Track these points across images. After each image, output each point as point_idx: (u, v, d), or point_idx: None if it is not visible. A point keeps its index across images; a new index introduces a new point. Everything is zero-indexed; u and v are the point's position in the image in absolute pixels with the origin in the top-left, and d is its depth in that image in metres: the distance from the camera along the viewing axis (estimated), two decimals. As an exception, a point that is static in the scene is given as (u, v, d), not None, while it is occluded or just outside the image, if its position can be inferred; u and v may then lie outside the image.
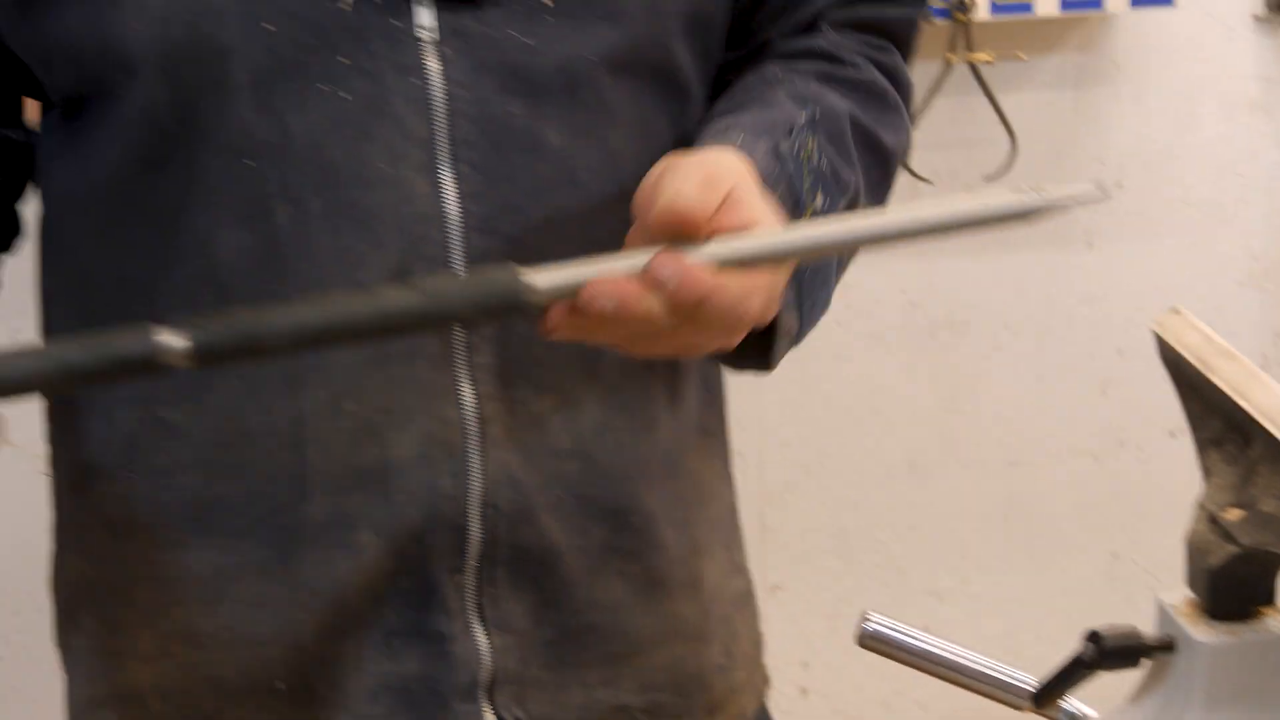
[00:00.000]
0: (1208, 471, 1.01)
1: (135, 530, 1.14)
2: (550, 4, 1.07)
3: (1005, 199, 0.94)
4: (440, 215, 1.05)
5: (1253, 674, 0.94)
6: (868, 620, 1.16)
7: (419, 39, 1.05)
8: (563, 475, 1.13)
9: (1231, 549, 0.95)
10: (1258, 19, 2.34)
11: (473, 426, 1.08)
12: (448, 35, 1.05)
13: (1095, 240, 2.45)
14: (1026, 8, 2.17)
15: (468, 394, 1.08)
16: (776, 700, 2.26)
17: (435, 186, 1.05)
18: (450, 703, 1.12)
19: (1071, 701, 1.09)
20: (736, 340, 1.00)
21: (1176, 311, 1.07)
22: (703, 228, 0.91)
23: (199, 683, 1.14)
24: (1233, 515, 0.96)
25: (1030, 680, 1.10)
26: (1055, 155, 2.41)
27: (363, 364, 1.06)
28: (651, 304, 0.90)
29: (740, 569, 1.31)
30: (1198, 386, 1.03)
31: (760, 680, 1.33)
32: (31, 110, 1.22)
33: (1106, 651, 0.97)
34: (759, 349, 1.09)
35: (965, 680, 1.15)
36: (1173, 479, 2.47)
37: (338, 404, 1.06)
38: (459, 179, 1.05)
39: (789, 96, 1.14)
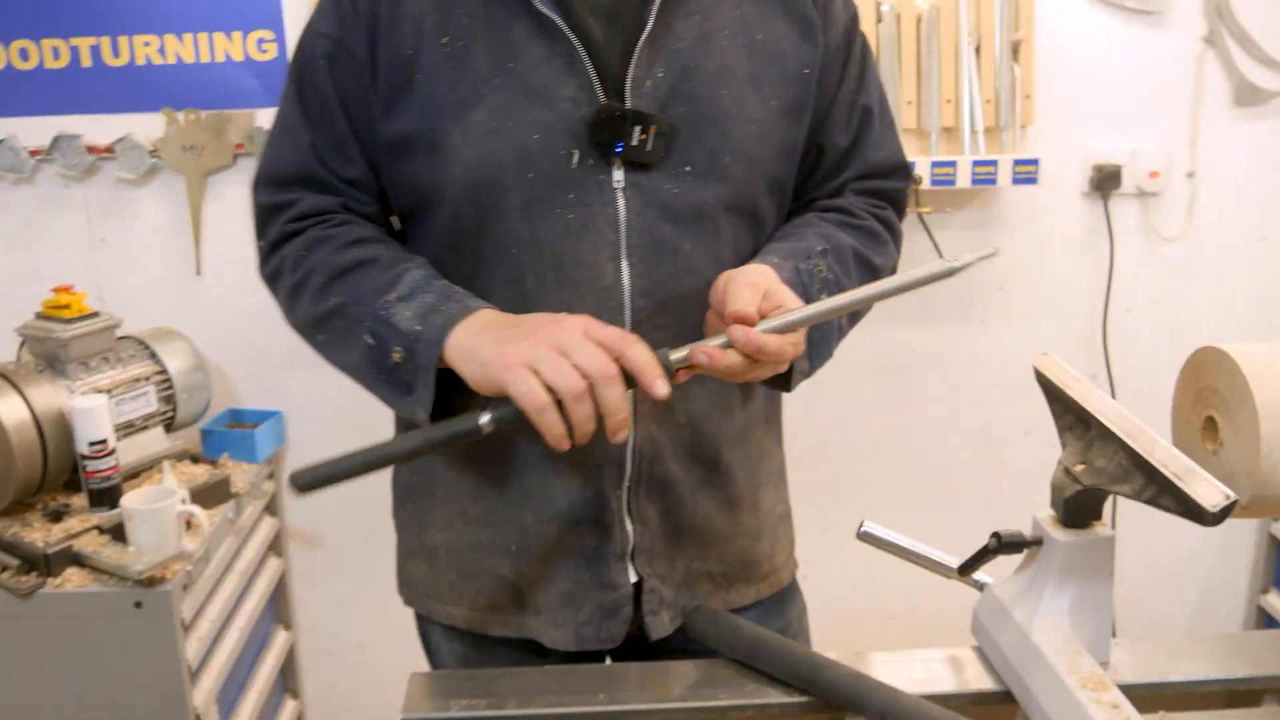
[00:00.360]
0: (1064, 444, 1.08)
1: (437, 455, 1.21)
2: (688, 171, 1.12)
3: (936, 265, 1.01)
4: (619, 286, 1.12)
5: (1086, 559, 1.03)
6: (865, 525, 1.19)
7: (614, 186, 1.10)
8: (680, 437, 1.20)
9: (1077, 487, 1.03)
10: (1084, 194, 2.36)
11: (632, 407, 1.11)
12: (629, 185, 1.10)
13: (986, 319, 2.44)
14: (951, 181, 2.17)
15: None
16: None
17: (618, 270, 1.11)
18: (610, 561, 1.20)
19: (981, 575, 1.15)
20: (781, 371, 1.06)
21: (1046, 355, 1.15)
22: (754, 318, 1.00)
23: (468, 543, 1.24)
24: (1078, 469, 1.04)
25: (956, 561, 1.16)
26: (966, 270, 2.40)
27: None
28: (732, 358, 0.99)
29: (783, 500, 1.37)
30: (1059, 396, 1.10)
31: (792, 564, 1.38)
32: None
33: (1004, 543, 1.06)
34: (786, 378, 1.15)
35: (919, 560, 1.17)
36: (1025, 460, 2.49)
37: None
38: (631, 266, 1.12)
39: (815, 235, 1.18)
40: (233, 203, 2.26)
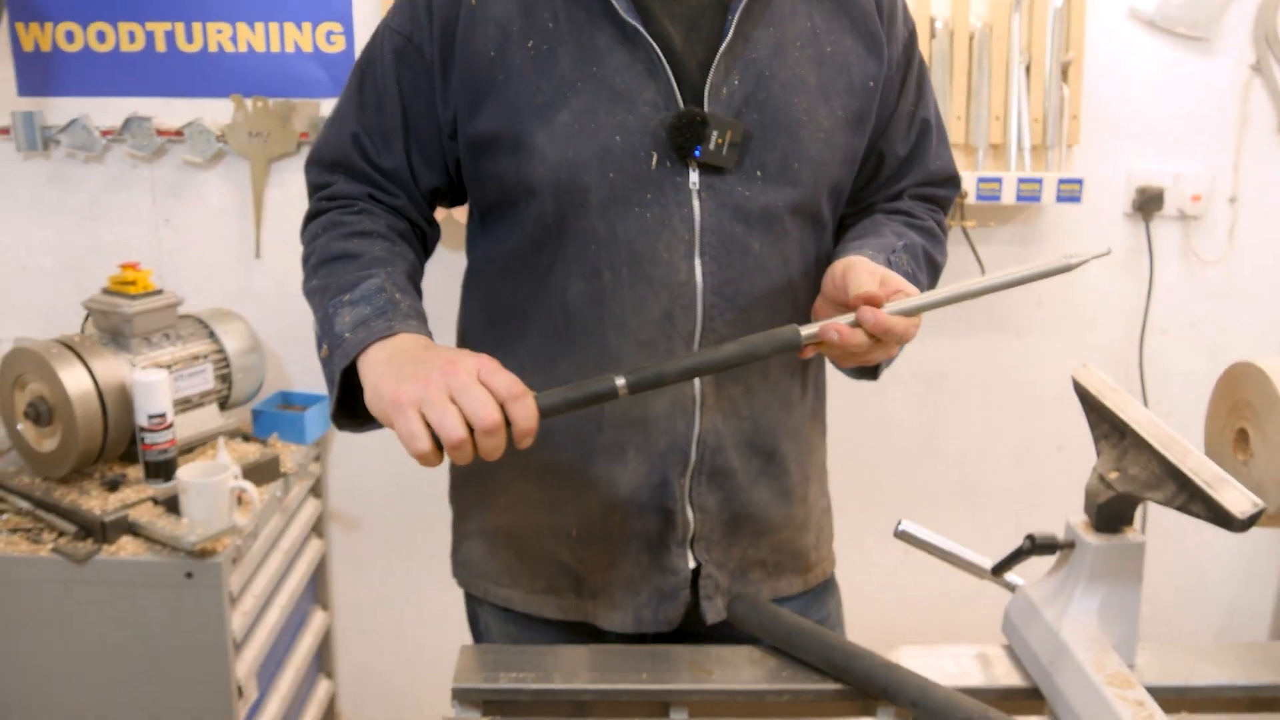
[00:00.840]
0: (1099, 452, 1.10)
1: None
2: (759, 175, 1.16)
3: (1054, 261, 1.05)
4: (693, 282, 1.15)
5: (1116, 563, 1.06)
6: (903, 524, 1.22)
7: (690, 188, 1.14)
8: (741, 429, 1.23)
9: (1110, 493, 1.05)
10: (1126, 215, 2.38)
11: (698, 399, 1.19)
12: (704, 188, 1.14)
13: (1024, 334, 2.46)
14: (996, 197, 2.20)
15: (696, 383, 1.18)
16: None
17: (691, 267, 1.15)
18: (671, 547, 1.24)
19: (1012, 577, 1.17)
20: (895, 354, 1.12)
21: (1085, 365, 1.18)
22: (882, 299, 1.05)
23: (529, 527, 1.27)
24: (1112, 476, 1.06)
25: (989, 562, 1.18)
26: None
27: (642, 360, 1.15)
28: (859, 337, 1.04)
29: (825, 494, 1.41)
30: (1095, 405, 1.12)
31: (832, 558, 1.41)
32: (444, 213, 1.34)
33: (1038, 545, 1.09)
34: (874, 368, 1.22)
35: (954, 560, 1.19)
36: (1057, 475, 2.50)
37: None
38: (704, 263, 1.15)
39: (891, 233, 1.24)
40: (294, 189, 2.31)
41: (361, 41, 2.20)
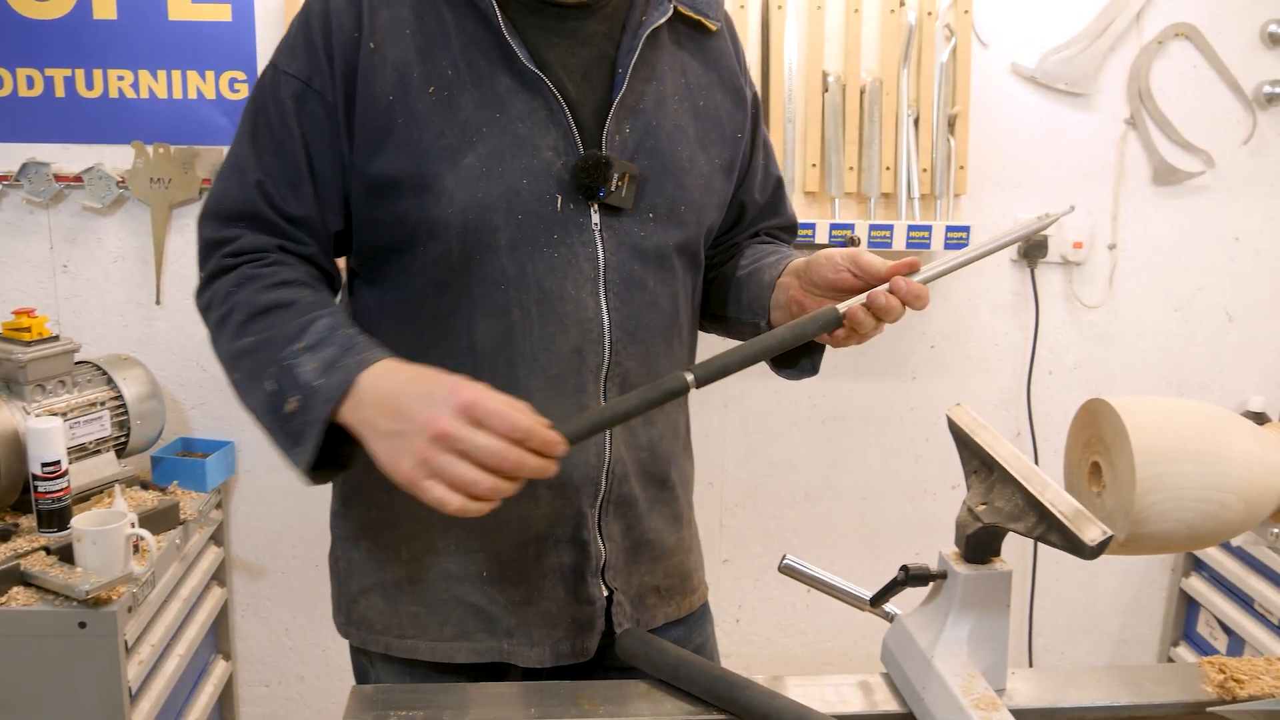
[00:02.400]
0: (969, 486, 1.17)
1: (403, 492, 1.17)
2: (651, 216, 1.20)
3: (1034, 222, 1.18)
4: (599, 318, 1.19)
5: (985, 592, 1.10)
6: (787, 559, 1.25)
7: (593, 228, 1.18)
8: (640, 459, 1.27)
9: (978, 524, 1.10)
10: (1013, 261, 2.48)
11: (606, 432, 1.21)
12: (605, 228, 1.18)
13: (918, 375, 2.53)
14: (888, 244, 2.26)
15: None
16: (721, 624, 2.42)
17: (597, 304, 1.19)
18: (586, 577, 1.25)
19: (891, 605, 1.21)
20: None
21: (959, 405, 1.23)
22: (917, 267, 1.13)
23: (434, 575, 1.25)
24: (980, 508, 1.12)
25: (868, 594, 1.22)
26: (897, 328, 2.53)
27: (551, 396, 1.17)
28: (896, 303, 1.11)
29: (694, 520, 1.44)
30: (966, 442, 1.18)
31: (706, 585, 1.44)
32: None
33: (912, 576, 1.14)
34: (817, 362, 1.28)
35: (834, 592, 1.23)
36: (953, 512, 2.66)
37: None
38: (608, 299, 1.19)
39: (788, 252, 1.32)
40: (195, 235, 2.30)
41: (265, 89, 2.21)
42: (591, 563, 1.25)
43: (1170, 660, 2.70)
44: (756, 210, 1.40)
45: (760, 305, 1.28)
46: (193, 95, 2.24)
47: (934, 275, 1.14)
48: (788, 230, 1.45)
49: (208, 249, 1.20)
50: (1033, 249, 2.44)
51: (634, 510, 1.28)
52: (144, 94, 2.23)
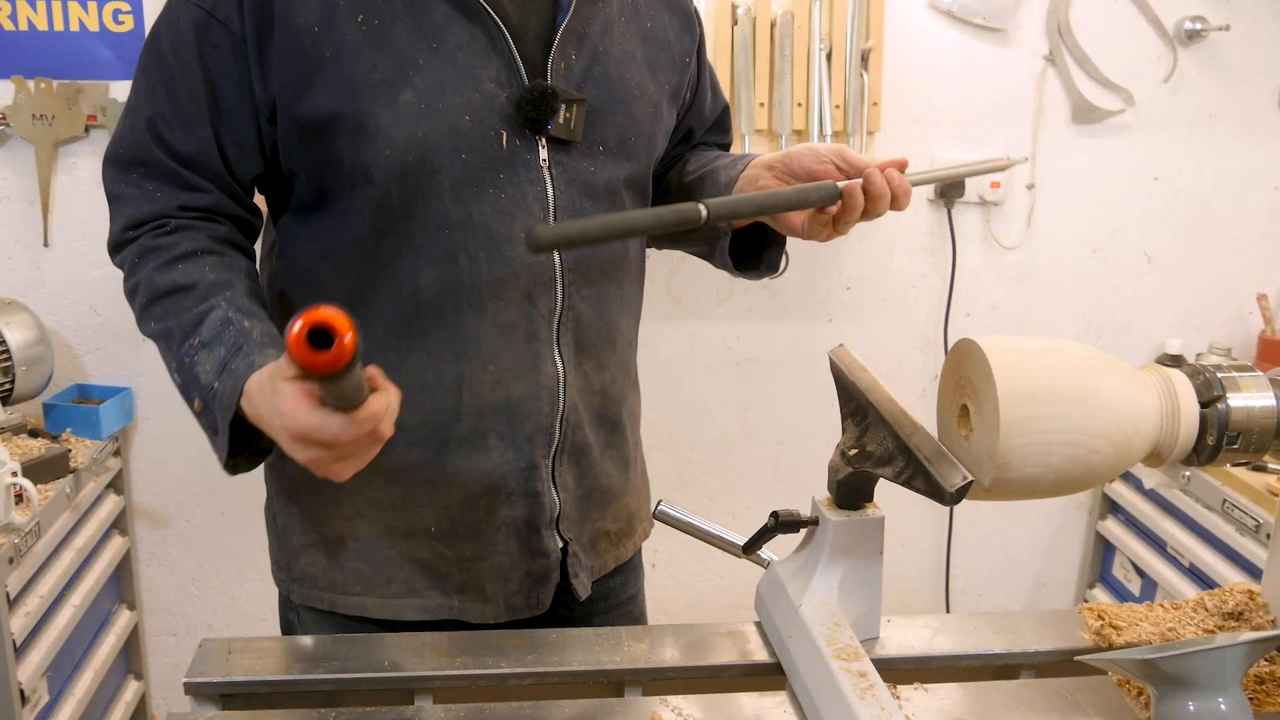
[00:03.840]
0: (844, 430, 1.14)
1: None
2: (601, 150, 1.17)
3: (999, 159, 1.24)
4: (550, 261, 1.15)
5: (856, 538, 1.09)
6: (660, 505, 1.23)
7: (541, 165, 1.13)
8: (593, 404, 1.25)
9: (848, 469, 1.08)
10: (930, 201, 2.44)
11: (561, 378, 1.19)
12: (553, 164, 1.14)
13: (834, 318, 2.50)
14: None
15: (558, 361, 1.18)
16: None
17: None
18: (540, 529, 1.23)
19: (766, 551, 1.20)
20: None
21: (841, 346, 1.20)
22: (905, 164, 1.14)
23: (379, 530, 1.22)
24: (852, 452, 1.09)
25: (742, 539, 1.19)
26: (812, 269, 2.47)
27: (502, 344, 1.14)
28: (887, 190, 1.10)
29: (642, 459, 1.44)
30: (844, 385, 1.15)
31: (647, 524, 1.43)
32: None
33: (782, 522, 1.12)
34: (778, 260, 1.30)
35: (710, 539, 1.21)
36: None
37: (485, 366, 1.14)
38: None
39: (728, 155, 1.32)
40: (83, 175, 2.22)
41: (151, 20, 2.10)
42: (545, 514, 1.22)
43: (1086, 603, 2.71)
44: (703, 132, 1.39)
45: None
46: (75, 27, 2.13)
47: (919, 180, 1.15)
48: (724, 149, 1.43)
49: (111, 204, 1.14)
50: (949, 189, 2.40)
51: (587, 457, 1.25)
52: (23, 25, 2.13)
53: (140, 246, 1.10)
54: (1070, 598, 2.78)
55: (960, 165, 1.19)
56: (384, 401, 0.88)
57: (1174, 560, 2.35)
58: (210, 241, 1.11)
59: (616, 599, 1.38)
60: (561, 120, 1.11)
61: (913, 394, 2.52)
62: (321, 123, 1.07)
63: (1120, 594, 2.60)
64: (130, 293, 1.11)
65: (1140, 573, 2.49)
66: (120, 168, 1.12)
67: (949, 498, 0.95)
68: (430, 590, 1.23)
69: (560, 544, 1.25)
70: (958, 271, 2.50)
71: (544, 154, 1.13)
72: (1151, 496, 2.45)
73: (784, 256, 1.30)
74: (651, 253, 1.41)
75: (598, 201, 1.17)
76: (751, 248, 1.32)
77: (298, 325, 0.73)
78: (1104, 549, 2.70)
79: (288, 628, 1.31)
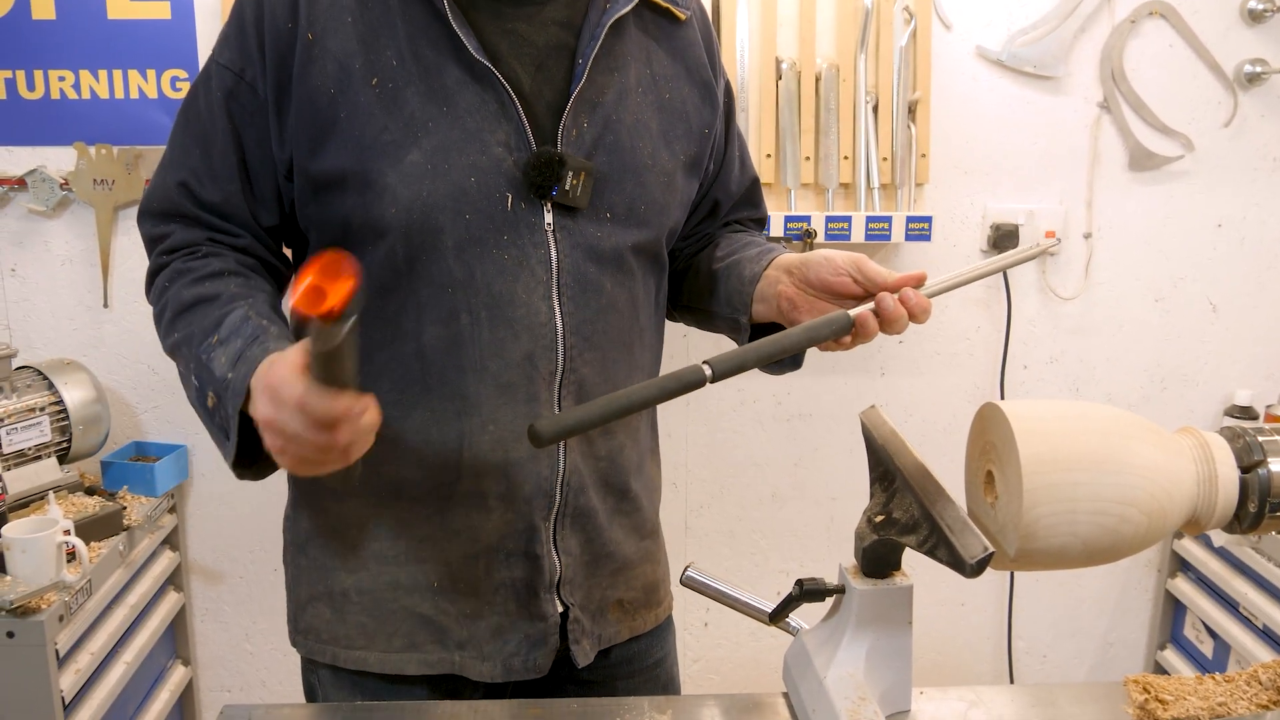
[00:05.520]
0: (872, 495, 1.11)
1: (352, 496, 1.21)
2: (609, 216, 1.17)
3: (1029, 249, 1.19)
4: (553, 323, 1.15)
5: (883, 608, 1.05)
6: (688, 571, 1.20)
7: (545, 229, 1.13)
8: (598, 469, 1.24)
9: (874, 536, 1.05)
10: (983, 251, 2.39)
11: (561, 442, 1.19)
12: (558, 228, 1.14)
13: (886, 371, 2.46)
14: (846, 236, 2.20)
15: None
16: (689, 627, 2.39)
17: (550, 308, 1.14)
18: (539, 592, 1.22)
19: (796, 619, 1.17)
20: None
21: (873, 407, 1.19)
22: (924, 279, 1.12)
23: (382, 584, 1.22)
24: (878, 519, 1.06)
25: (769, 606, 1.16)
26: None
27: (502, 405, 1.14)
28: (903, 312, 1.10)
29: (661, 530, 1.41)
30: (874, 448, 1.13)
31: (672, 595, 1.41)
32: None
33: (806, 591, 1.09)
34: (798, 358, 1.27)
35: (737, 606, 1.18)
36: None
37: (484, 425, 1.14)
38: (561, 304, 1.15)
39: (760, 241, 1.32)
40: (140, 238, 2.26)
41: (205, 86, 2.16)
42: (545, 577, 1.22)
43: (1158, 667, 2.61)
44: (730, 205, 1.38)
45: (741, 300, 1.25)
46: (134, 95, 2.19)
47: (940, 290, 1.12)
48: (758, 223, 1.43)
49: (149, 245, 1.20)
50: (1003, 239, 2.35)
51: (593, 522, 1.24)
52: (85, 94, 2.19)
53: (172, 271, 1.14)
54: (1140, 660, 2.68)
55: (984, 265, 1.15)
56: (353, 403, 0.91)
57: (1247, 622, 2.25)
58: (238, 264, 1.15)
59: (641, 663, 1.35)
60: (567, 187, 1.11)
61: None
62: (333, 180, 1.10)
63: (1193, 656, 2.49)
64: (158, 315, 1.15)
65: (1213, 634, 2.38)
66: (155, 219, 1.18)
67: (969, 569, 0.92)
68: (432, 645, 1.22)
69: (560, 609, 1.24)
70: (1013, 323, 2.44)
71: (549, 218, 1.13)
72: (1222, 554, 2.36)
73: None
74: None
75: (603, 266, 1.17)
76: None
77: (309, 269, 0.79)
78: (1174, 608, 2.60)
79: (309, 691, 1.32)
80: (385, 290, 1.13)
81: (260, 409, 0.95)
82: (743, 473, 2.52)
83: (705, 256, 1.35)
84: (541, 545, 1.20)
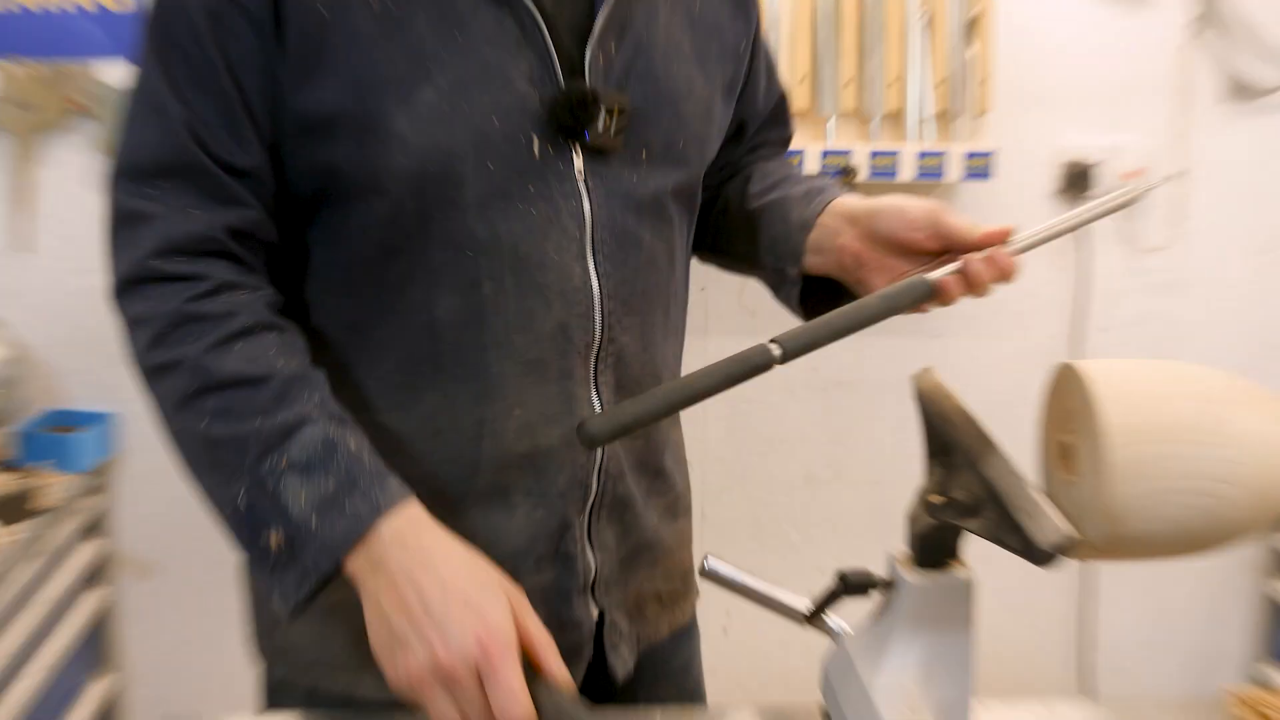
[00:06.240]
0: (928, 473, 1.11)
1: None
2: (645, 157, 1.16)
3: (1129, 190, 1.16)
4: (588, 287, 1.14)
5: (939, 606, 1.03)
6: (709, 561, 1.17)
7: (575, 176, 1.12)
8: (635, 448, 1.24)
9: (930, 521, 1.04)
10: (1052, 194, 2.36)
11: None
12: (591, 175, 1.13)
13: (942, 333, 2.46)
14: (892, 174, 2.19)
15: (596, 403, 1.17)
16: (706, 635, 2.40)
17: (585, 269, 1.13)
18: (572, 597, 1.21)
19: (836, 620, 1.15)
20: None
21: (928, 369, 1.18)
22: (1009, 235, 1.13)
23: None
24: (934, 500, 1.06)
25: (806, 603, 1.16)
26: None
27: (530, 385, 1.13)
28: (989, 274, 1.11)
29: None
30: (929, 417, 1.12)
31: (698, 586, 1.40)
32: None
33: (848, 585, 1.08)
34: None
35: (769, 604, 1.17)
36: None
37: (510, 410, 1.13)
38: (597, 264, 1.14)
39: (798, 174, 1.34)
40: (70, 170, 2.26)
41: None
42: (578, 579, 1.21)
43: (1257, 681, 2.62)
44: (757, 125, 1.39)
45: (789, 249, 1.25)
46: (71, 7, 2.17)
47: (1029, 245, 1.12)
48: (784, 144, 1.45)
49: (123, 221, 1.07)
50: (1076, 180, 2.35)
51: (631, 510, 1.25)
52: (13, 5, 2.17)
53: (183, 312, 1.04)
54: (1236, 674, 2.69)
55: (1078, 213, 1.14)
56: None
57: (1361, 630, 2.26)
58: (267, 311, 1.08)
59: (665, 669, 1.36)
60: (601, 129, 1.10)
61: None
62: (321, 123, 1.06)
63: (1300, 671, 2.51)
64: (164, 366, 1.04)
65: (1320, 644, 2.39)
66: (140, 179, 1.06)
67: (1041, 556, 0.91)
68: None
69: (595, 613, 1.24)
70: (1091, 278, 2.44)
71: (579, 163, 1.12)
72: (1333, 552, 2.36)
73: None
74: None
75: (642, 216, 1.17)
76: (821, 293, 1.30)
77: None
78: (1276, 615, 2.61)
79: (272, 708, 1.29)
80: (388, 254, 1.10)
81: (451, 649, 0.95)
82: (771, 451, 2.53)
83: (736, 191, 1.35)
84: (575, 543, 1.20)
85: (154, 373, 1.05)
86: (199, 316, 1.04)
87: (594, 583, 1.24)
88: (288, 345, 1.07)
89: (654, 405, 0.98)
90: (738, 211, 1.33)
